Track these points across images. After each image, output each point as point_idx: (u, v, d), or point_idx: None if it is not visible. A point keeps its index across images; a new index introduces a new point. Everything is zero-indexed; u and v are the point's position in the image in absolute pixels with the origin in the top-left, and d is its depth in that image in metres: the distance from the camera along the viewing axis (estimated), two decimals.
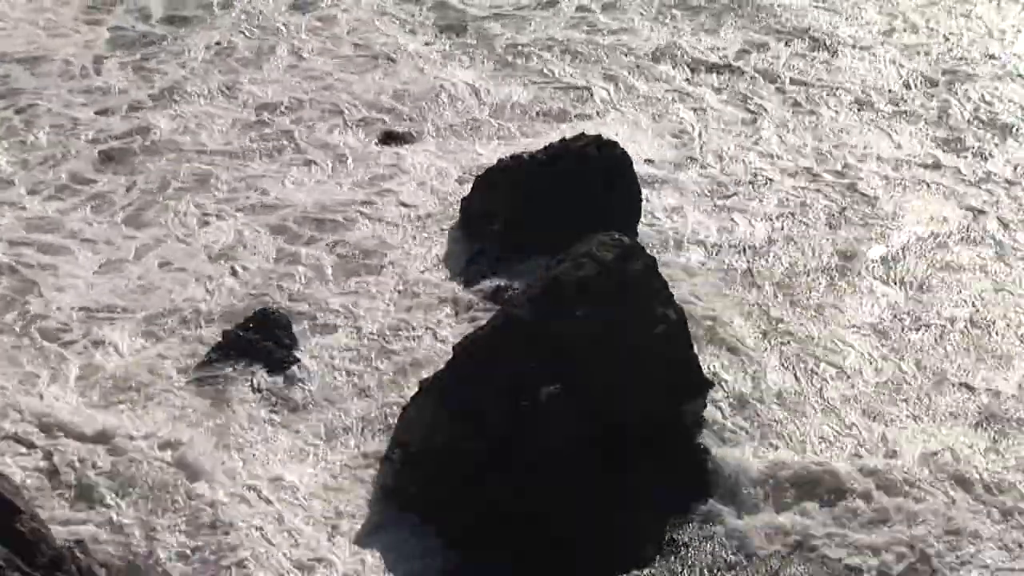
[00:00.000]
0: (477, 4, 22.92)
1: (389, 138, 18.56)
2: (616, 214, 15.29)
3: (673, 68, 20.90)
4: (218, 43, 21.31)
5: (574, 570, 11.76)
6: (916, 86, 20.40)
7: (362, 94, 19.87)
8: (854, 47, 21.64)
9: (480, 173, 16.67)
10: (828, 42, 21.77)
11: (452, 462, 12.11)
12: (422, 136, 18.72)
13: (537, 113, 19.50)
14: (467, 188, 16.71)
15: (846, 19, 22.67)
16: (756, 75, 20.68)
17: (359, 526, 12.20)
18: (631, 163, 16.13)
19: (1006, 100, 19.94)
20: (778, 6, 22.95)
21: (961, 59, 21.27)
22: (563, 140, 16.45)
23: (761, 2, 23.04)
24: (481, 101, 19.70)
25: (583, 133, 16.63)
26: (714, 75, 20.70)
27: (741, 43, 21.71)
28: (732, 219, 16.88)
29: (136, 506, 12.23)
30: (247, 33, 21.76)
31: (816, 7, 23.04)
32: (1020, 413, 13.72)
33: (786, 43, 21.74)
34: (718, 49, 21.51)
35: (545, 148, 16.48)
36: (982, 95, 20.04)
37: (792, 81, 20.54)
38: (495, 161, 16.75)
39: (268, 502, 12.36)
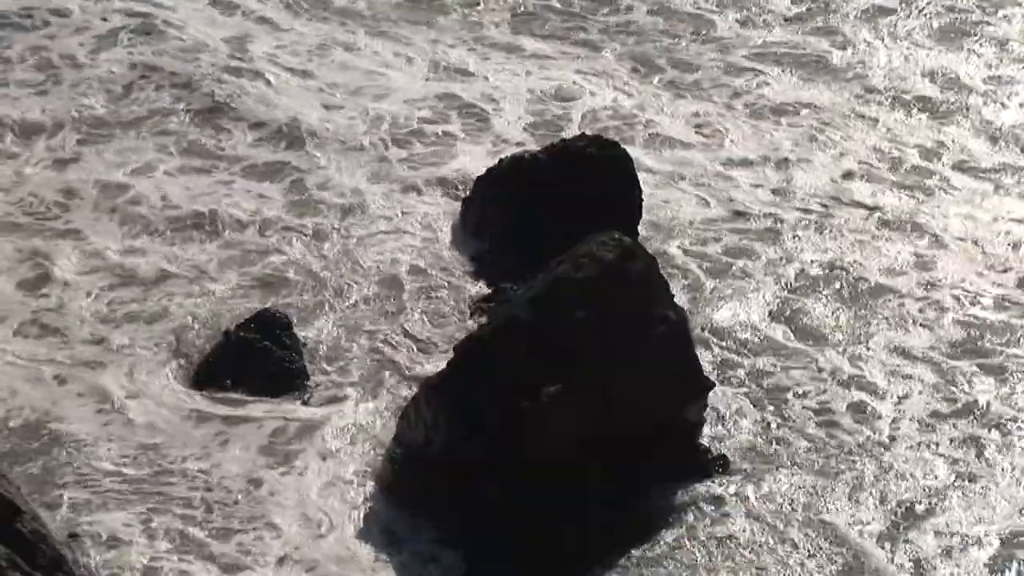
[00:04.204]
0: None
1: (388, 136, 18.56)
2: (616, 214, 15.28)
3: None
4: None
5: (573, 571, 11.78)
6: None
7: (360, 97, 19.74)
8: None
9: (480, 173, 16.68)
10: None
11: (452, 462, 12.12)
12: (422, 137, 18.61)
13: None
14: (467, 188, 16.71)
15: None
16: None
17: (360, 525, 12.23)
18: (632, 162, 16.13)
19: None
20: None
21: None
22: (563, 140, 16.47)
23: None
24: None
25: (583, 133, 16.65)
26: None
27: None
28: None
29: None
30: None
31: None
32: None
33: None
34: None
35: (545, 148, 16.49)
36: None
37: None
38: (496, 160, 16.77)
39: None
